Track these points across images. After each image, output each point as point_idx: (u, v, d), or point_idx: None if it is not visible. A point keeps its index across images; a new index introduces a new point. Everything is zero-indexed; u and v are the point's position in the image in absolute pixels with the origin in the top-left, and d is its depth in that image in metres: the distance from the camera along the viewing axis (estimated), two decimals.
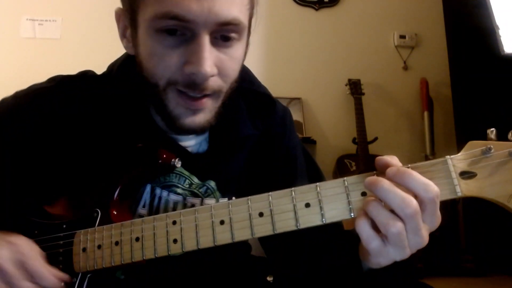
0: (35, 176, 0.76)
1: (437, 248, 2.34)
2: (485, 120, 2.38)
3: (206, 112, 0.72)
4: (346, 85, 2.84)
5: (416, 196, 0.52)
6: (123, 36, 0.78)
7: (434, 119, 2.87)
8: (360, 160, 2.60)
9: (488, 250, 2.44)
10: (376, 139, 2.69)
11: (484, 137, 0.55)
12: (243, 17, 0.69)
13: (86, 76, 0.84)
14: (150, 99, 0.75)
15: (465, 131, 2.75)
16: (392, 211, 0.53)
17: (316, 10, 3.04)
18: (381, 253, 0.55)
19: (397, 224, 0.52)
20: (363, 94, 2.78)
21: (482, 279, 2.36)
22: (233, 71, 0.72)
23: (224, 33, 0.68)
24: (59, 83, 0.81)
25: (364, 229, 0.54)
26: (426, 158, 2.74)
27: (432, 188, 0.52)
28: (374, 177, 0.54)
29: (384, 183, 0.52)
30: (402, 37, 3.04)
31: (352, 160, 2.66)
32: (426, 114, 2.85)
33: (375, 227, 0.54)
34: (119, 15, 0.77)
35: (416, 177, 0.52)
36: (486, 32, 2.30)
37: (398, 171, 0.53)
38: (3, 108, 0.81)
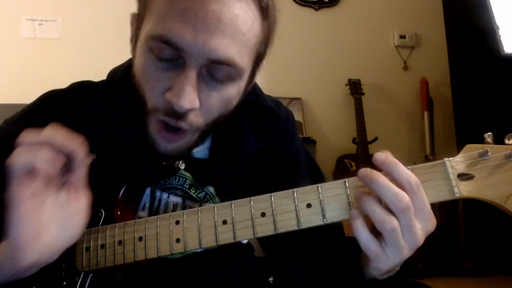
0: None
1: (437, 248, 2.36)
2: (485, 120, 2.38)
3: (181, 143, 0.70)
4: (346, 85, 2.85)
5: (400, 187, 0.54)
6: (131, 40, 0.76)
7: (434, 119, 2.88)
8: (360, 160, 2.61)
9: (488, 250, 2.44)
10: (376, 139, 2.69)
11: (483, 138, 0.56)
12: (241, 59, 0.66)
13: (81, 87, 0.83)
14: (138, 113, 0.73)
15: (465, 131, 2.75)
16: (386, 207, 0.54)
17: (316, 10, 3.05)
18: (380, 257, 0.55)
19: (392, 221, 0.53)
20: (363, 94, 2.78)
21: (482, 279, 2.37)
22: (218, 109, 0.70)
23: (216, 72, 0.65)
24: (52, 98, 0.81)
25: (362, 233, 0.55)
26: (426, 158, 2.75)
27: (412, 179, 0.54)
28: (369, 170, 0.54)
29: (379, 177, 0.53)
30: (402, 37, 3.04)
31: (352, 160, 2.67)
32: (426, 114, 2.85)
33: (372, 230, 0.55)
34: (132, 20, 0.76)
35: (400, 168, 0.54)
36: (486, 32, 2.30)
37: (386, 159, 0.54)
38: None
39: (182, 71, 0.64)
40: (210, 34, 0.61)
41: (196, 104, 0.65)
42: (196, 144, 0.74)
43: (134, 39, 0.72)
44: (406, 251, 0.55)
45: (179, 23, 0.61)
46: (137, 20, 0.71)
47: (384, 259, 0.55)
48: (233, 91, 0.70)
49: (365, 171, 0.54)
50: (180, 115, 0.66)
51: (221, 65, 0.64)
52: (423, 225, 0.55)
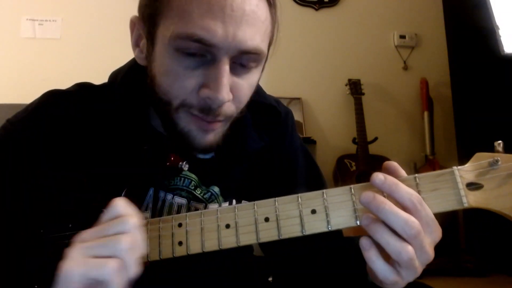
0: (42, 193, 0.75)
1: (437, 248, 2.35)
2: (485, 120, 2.38)
3: (216, 133, 0.72)
4: (346, 85, 2.85)
5: (403, 207, 0.53)
6: (135, 45, 0.76)
7: (434, 119, 2.88)
8: (360, 160, 2.61)
9: (488, 250, 2.44)
10: (376, 139, 2.69)
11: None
12: (264, 46, 0.68)
13: (83, 89, 0.83)
14: (160, 115, 0.74)
15: (465, 131, 2.75)
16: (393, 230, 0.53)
17: (316, 10, 3.05)
18: (399, 283, 0.55)
19: (409, 251, 0.52)
20: (363, 94, 2.78)
21: (482, 279, 2.37)
22: (246, 97, 0.72)
23: (244, 61, 0.67)
24: (56, 99, 0.80)
25: (379, 265, 0.54)
26: (426, 158, 2.75)
27: (414, 197, 0.52)
28: (371, 195, 0.53)
29: (385, 204, 0.52)
30: (402, 37, 3.04)
31: (352, 160, 2.66)
32: (426, 114, 2.85)
33: (381, 250, 0.54)
34: (134, 23, 0.76)
35: (401, 187, 0.53)
36: (486, 32, 2.30)
37: (386, 181, 0.53)
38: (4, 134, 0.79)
39: (214, 66, 0.65)
40: (238, 26, 0.63)
41: (231, 96, 0.67)
42: (220, 141, 0.74)
43: (148, 43, 0.72)
44: (420, 269, 0.55)
45: (208, 20, 0.62)
46: (148, 23, 0.70)
47: (401, 282, 0.55)
48: (256, 77, 0.73)
49: (367, 196, 0.53)
50: (216, 110, 0.67)
51: (249, 54, 0.66)
52: (431, 238, 0.54)
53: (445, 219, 2.50)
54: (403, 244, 0.52)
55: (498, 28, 2.23)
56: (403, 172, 0.56)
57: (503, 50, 2.22)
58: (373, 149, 2.64)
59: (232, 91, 0.67)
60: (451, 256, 2.44)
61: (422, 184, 0.55)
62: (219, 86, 0.64)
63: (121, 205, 0.56)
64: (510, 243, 2.27)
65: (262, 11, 0.67)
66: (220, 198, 0.81)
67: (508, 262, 2.34)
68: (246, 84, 0.70)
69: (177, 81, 0.67)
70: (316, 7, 3.04)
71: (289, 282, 0.85)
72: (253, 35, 0.65)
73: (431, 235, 0.54)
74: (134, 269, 0.54)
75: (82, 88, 0.83)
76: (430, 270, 2.28)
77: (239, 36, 0.63)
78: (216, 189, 0.81)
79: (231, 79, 0.67)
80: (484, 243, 2.46)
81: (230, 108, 0.69)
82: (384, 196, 0.53)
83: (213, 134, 0.71)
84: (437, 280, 2.23)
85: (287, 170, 0.87)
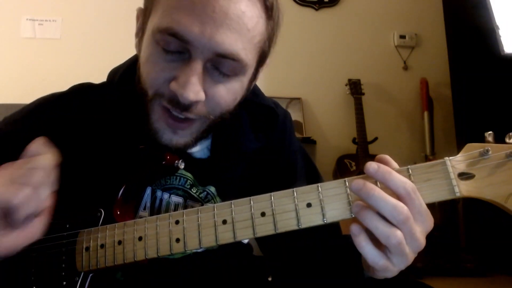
0: None
1: (437, 248, 2.36)
2: (485, 120, 2.38)
3: (186, 134, 0.71)
4: (346, 85, 2.85)
5: (397, 195, 0.53)
6: (137, 35, 0.77)
7: (434, 119, 2.88)
8: (360, 160, 2.61)
9: (488, 250, 2.44)
10: (376, 139, 2.69)
11: (484, 137, 0.56)
12: (246, 55, 0.67)
13: (79, 89, 0.84)
14: (139, 106, 0.73)
15: (465, 131, 2.75)
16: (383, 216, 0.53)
17: (316, 10, 3.05)
18: (389, 268, 0.55)
19: (397, 234, 0.52)
20: (363, 94, 2.78)
21: (482, 279, 2.37)
22: (225, 102, 0.70)
23: (221, 66, 0.66)
24: (51, 100, 0.81)
25: (368, 250, 0.55)
26: (426, 158, 2.75)
27: (408, 184, 0.53)
28: (361, 182, 0.54)
29: (374, 191, 0.53)
30: (402, 37, 3.05)
31: (352, 160, 2.67)
32: (426, 114, 2.85)
33: (372, 238, 0.54)
34: (138, 15, 0.77)
35: (394, 175, 0.53)
36: (486, 32, 2.30)
37: (379, 169, 0.54)
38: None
39: (188, 64, 0.65)
40: (217, 28, 0.63)
41: (201, 96, 0.66)
42: (201, 138, 0.74)
43: (140, 33, 0.73)
44: (411, 256, 0.55)
45: (186, 16, 0.62)
46: (144, 15, 0.72)
47: (392, 268, 0.56)
48: (237, 86, 0.71)
49: (358, 183, 0.54)
50: (185, 107, 0.67)
51: (226, 59, 0.65)
52: (422, 227, 0.54)
53: (445, 218, 2.50)
54: (392, 228, 0.52)
55: (498, 28, 2.23)
56: (395, 164, 0.57)
57: (503, 50, 2.22)
58: (373, 149, 2.64)
59: (207, 92, 0.67)
60: (451, 256, 2.44)
61: (415, 175, 0.55)
62: (186, 83, 0.64)
63: (38, 145, 0.60)
64: (510, 242, 2.27)
65: (251, 19, 0.66)
66: (217, 198, 0.81)
67: (508, 262, 2.33)
68: (225, 89, 0.69)
69: (153, 70, 0.68)
70: (316, 7, 3.04)
71: (288, 281, 0.85)
72: (234, 40, 0.64)
73: (423, 224, 0.54)
74: (42, 201, 0.58)
75: (80, 89, 0.83)
76: (430, 270, 2.28)
77: (216, 38, 0.63)
78: (212, 189, 0.81)
79: (205, 80, 0.66)
80: (484, 243, 2.46)
81: (203, 108, 0.69)
82: (378, 186, 0.54)
83: (183, 135, 0.71)
84: (437, 280, 2.23)
85: (287, 172, 0.87)
